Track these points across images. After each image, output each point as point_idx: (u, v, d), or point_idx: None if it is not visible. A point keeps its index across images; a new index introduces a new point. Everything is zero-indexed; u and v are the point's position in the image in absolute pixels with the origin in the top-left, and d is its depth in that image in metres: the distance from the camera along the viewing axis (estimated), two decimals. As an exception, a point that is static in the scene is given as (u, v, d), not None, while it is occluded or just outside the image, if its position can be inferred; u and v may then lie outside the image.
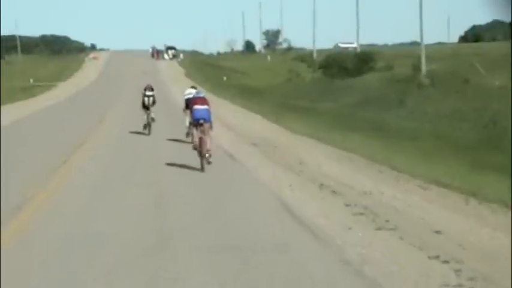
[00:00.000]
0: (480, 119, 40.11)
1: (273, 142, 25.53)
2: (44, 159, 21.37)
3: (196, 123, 18.16)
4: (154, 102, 28.07)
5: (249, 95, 58.30)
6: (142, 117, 28.14)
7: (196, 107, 18.31)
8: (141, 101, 28.23)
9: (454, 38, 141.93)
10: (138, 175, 18.06)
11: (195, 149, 18.39)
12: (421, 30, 72.22)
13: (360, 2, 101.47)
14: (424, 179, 16.46)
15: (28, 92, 64.58)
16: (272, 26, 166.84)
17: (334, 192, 14.96)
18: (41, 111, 44.71)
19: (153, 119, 27.92)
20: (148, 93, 28.03)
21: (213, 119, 18.08)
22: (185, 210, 13.15)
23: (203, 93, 20.33)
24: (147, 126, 27.82)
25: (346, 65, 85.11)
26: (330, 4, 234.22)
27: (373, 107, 53.05)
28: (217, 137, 27.44)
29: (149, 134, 27.53)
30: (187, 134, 21.39)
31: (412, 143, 27.02)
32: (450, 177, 16.81)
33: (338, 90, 67.81)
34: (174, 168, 19.15)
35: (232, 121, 34.69)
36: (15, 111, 43.78)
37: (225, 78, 79.98)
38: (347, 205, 13.49)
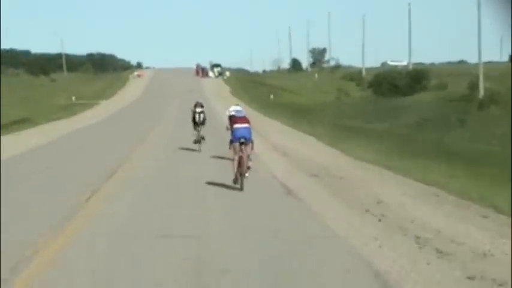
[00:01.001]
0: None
1: (336, 171, 21.33)
2: (68, 191, 17.47)
3: (237, 142, 17.39)
4: (204, 119, 27.29)
5: (298, 114, 54.26)
6: (193, 133, 27.31)
7: (237, 125, 17.65)
8: (191, 117, 27.63)
9: (505, 57, 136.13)
10: (177, 206, 14.09)
11: (235, 183, 17.20)
12: (479, 48, 67.71)
13: (407, 19, 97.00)
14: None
15: (69, 110, 61.38)
16: (319, 44, 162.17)
17: (439, 252, 10.70)
18: (79, 130, 41.11)
19: (203, 138, 27.13)
20: (198, 109, 27.33)
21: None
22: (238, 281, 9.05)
23: (244, 112, 19.55)
24: (198, 142, 27.02)
25: (397, 84, 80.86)
26: (376, 22, 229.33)
27: (432, 127, 48.72)
28: (269, 164, 23.53)
29: (200, 150, 26.45)
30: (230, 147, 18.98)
31: (497, 173, 22.59)
32: None
33: (391, 110, 63.53)
34: (218, 199, 15.22)
35: (284, 144, 30.57)
36: (50, 131, 40.26)
37: (272, 96, 76.12)
38: (470, 278, 9.22)
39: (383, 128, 47.94)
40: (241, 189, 16.81)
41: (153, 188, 18.30)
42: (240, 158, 17.10)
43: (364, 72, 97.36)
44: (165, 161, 24.76)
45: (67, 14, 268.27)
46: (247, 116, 18.47)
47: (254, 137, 17.91)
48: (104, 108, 63.72)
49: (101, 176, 20.01)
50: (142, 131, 38.19)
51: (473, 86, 67.26)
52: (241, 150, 17.21)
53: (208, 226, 13.03)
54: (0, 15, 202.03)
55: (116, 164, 23.29)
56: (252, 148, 17.68)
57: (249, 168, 17.31)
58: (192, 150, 26.83)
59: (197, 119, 27.11)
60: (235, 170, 17.12)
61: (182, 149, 27.74)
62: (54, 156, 27.35)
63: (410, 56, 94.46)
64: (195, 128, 27.26)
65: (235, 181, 17.12)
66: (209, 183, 18.36)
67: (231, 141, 17.65)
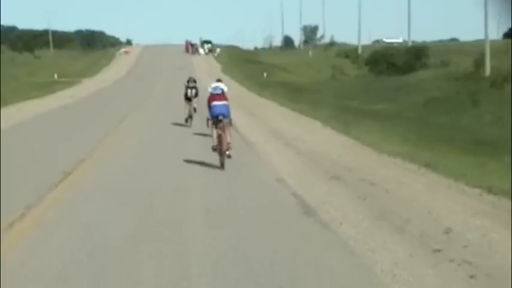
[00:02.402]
0: None
1: (362, 172, 15.86)
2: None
3: (215, 119, 16.86)
4: (197, 94, 27.39)
5: (294, 94, 48.84)
6: (184, 109, 27.09)
7: (215, 103, 17.13)
8: (183, 93, 27.74)
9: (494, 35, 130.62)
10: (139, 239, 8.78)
11: (214, 150, 16.77)
12: (486, 24, 62.12)
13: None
14: None
15: (48, 88, 55.72)
16: (312, 21, 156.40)
17: None
18: (52, 111, 35.65)
19: (195, 109, 27.02)
20: (191, 84, 27.63)
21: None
22: None
23: (224, 89, 17.94)
24: (189, 118, 26.89)
25: (395, 61, 75.63)
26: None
27: (443, 109, 43.38)
28: (272, 160, 18.15)
29: (190, 126, 26.24)
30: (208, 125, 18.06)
31: None
32: None
33: (393, 89, 58.17)
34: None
35: (286, 131, 25.17)
36: (18, 112, 34.74)
37: (265, 74, 70.64)
38: None
39: (389, 109, 42.72)
40: (223, 168, 16.10)
41: (117, 199, 12.86)
42: (220, 136, 16.55)
43: (360, 50, 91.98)
44: (145, 148, 19.42)
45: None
46: (227, 94, 17.61)
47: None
48: (85, 87, 58.10)
49: (54, 177, 14.59)
50: (120, 113, 32.72)
51: (478, 64, 62.31)
52: (220, 127, 16.64)
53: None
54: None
55: (79, 158, 17.91)
56: (231, 124, 17.19)
57: (229, 143, 16.82)
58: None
59: (189, 94, 27.31)
60: (218, 149, 16.48)
61: (166, 133, 22.54)
62: (4, 147, 21.77)
63: (409, 32, 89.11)
64: (187, 103, 27.19)
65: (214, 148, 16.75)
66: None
67: (209, 119, 17.16)
